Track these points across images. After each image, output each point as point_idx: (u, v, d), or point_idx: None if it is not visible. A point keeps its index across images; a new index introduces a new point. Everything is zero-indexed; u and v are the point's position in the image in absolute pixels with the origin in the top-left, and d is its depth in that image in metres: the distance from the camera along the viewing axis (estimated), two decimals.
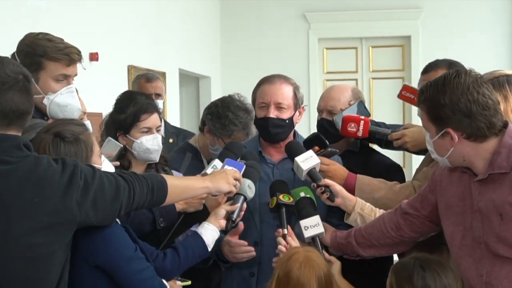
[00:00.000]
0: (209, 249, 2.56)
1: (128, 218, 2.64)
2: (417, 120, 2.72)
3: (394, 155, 3.68)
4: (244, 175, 2.69)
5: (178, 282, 2.58)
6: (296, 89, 2.98)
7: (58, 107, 2.69)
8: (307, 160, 2.80)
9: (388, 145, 3.28)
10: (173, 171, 3.17)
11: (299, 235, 2.71)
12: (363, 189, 2.94)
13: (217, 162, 2.77)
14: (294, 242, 2.65)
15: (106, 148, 2.89)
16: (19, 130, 2.05)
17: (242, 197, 2.67)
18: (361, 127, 3.13)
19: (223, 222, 2.60)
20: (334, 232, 2.78)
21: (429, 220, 2.52)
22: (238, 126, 3.57)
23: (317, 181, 2.77)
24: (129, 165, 2.96)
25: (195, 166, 3.51)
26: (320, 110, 3.33)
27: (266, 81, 2.99)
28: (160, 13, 6.67)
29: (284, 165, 2.97)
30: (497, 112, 2.19)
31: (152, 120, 2.95)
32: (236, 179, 2.58)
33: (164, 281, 2.36)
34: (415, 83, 3.46)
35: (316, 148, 2.95)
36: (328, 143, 2.99)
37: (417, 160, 4.06)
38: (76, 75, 2.76)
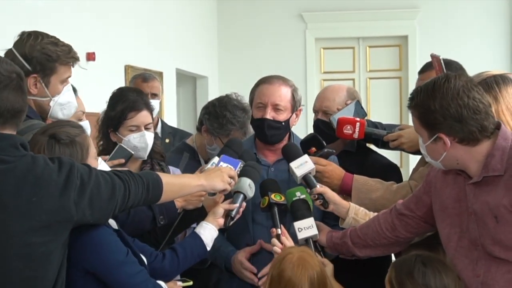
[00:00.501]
0: (208, 248, 2.56)
1: (128, 216, 2.65)
2: None
3: (391, 155, 3.68)
4: (245, 175, 2.70)
5: (179, 283, 2.57)
6: (294, 91, 2.98)
7: (59, 106, 2.76)
8: (302, 165, 2.79)
9: (384, 145, 3.27)
10: (172, 168, 3.18)
11: (294, 235, 2.71)
12: (360, 189, 2.94)
13: (216, 160, 2.77)
14: (289, 241, 2.65)
15: (117, 154, 2.91)
16: (14, 129, 2.05)
17: (241, 196, 2.66)
18: (357, 129, 3.13)
19: (221, 221, 2.60)
20: (330, 232, 2.78)
21: (424, 221, 2.51)
22: (235, 125, 3.57)
23: (311, 188, 2.77)
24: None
25: (193, 166, 3.51)
26: (315, 111, 3.33)
27: (264, 81, 2.99)
28: (157, 13, 6.67)
29: (279, 166, 2.96)
30: (488, 115, 2.18)
31: (140, 117, 2.97)
32: (231, 177, 2.58)
33: (162, 283, 2.35)
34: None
35: (313, 149, 2.95)
36: (325, 144, 2.99)
37: (414, 160, 4.07)
38: None
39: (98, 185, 2.08)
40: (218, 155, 2.79)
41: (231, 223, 2.63)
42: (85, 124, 2.98)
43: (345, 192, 2.93)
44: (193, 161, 3.74)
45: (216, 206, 2.64)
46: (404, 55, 8.48)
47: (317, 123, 3.29)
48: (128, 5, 5.98)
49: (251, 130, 3.51)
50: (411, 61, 8.27)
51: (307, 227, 2.70)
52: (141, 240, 2.54)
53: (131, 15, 6.08)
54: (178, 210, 2.75)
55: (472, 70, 2.97)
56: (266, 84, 2.97)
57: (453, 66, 3.22)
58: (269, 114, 2.91)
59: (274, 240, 2.65)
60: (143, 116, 2.98)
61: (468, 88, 2.17)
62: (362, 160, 3.27)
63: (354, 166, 3.10)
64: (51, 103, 2.73)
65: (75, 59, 2.77)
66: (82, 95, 3.25)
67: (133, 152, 2.94)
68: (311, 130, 3.27)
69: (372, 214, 2.76)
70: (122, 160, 2.91)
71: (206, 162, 2.95)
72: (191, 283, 2.64)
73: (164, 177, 2.33)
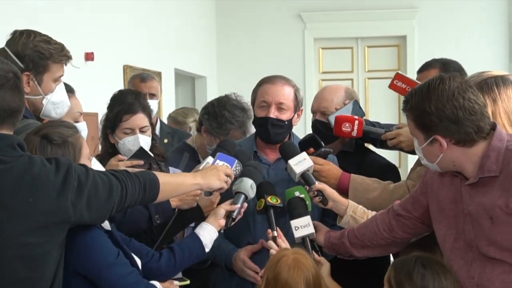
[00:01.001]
0: (207, 250, 2.55)
1: (124, 216, 2.65)
2: None
3: (389, 155, 3.68)
4: (246, 175, 2.69)
5: (176, 282, 2.56)
6: (296, 91, 3.00)
7: (52, 105, 2.76)
8: (300, 163, 2.80)
9: (382, 144, 3.28)
10: (172, 168, 3.18)
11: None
12: (357, 188, 2.94)
13: (210, 159, 2.76)
14: (284, 244, 2.64)
15: (136, 156, 2.91)
16: (11, 129, 2.04)
17: (243, 196, 2.66)
18: (355, 127, 3.13)
19: (222, 222, 2.60)
20: (328, 232, 2.78)
21: (421, 221, 2.51)
22: (234, 125, 3.58)
23: (310, 185, 2.78)
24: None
25: (193, 166, 3.49)
26: (313, 112, 3.33)
27: (267, 81, 3.00)
28: (156, 12, 6.67)
29: (280, 165, 2.97)
30: (484, 116, 2.17)
31: (135, 120, 2.97)
32: (227, 175, 2.57)
33: (156, 283, 2.35)
34: None
35: (311, 150, 2.95)
36: (323, 144, 3.00)
37: (412, 160, 4.07)
38: None
39: (96, 186, 2.08)
40: (212, 156, 2.79)
41: (232, 224, 2.63)
42: (82, 125, 2.98)
43: (342, 191, 2.92)
44: (193, 161, 3.73)
45: (217, 207, 2.63)
46: (403, 55, 8.49)
47: (315, 124, 3.29)
48: (127, 6, 5.98)
49: (251, 130, 3.51)
50: (410, 61, 8.28)
51: (303, 225, 2.70)
52: (138, 240, 2.54)
53: (130, 15, 6.08)
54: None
55: (470, 70, 2.97)
56: (269, 83, 2.98)
57: (452, 66, 3.23)
58: (273, 113, 2.92)
59: (271, 243, 2.65)
60: (138, 119, 2.98)
61: (463, 89, 2.16)
62: (360, 160, 3.27)
63: (352, 166, 3.10)
64: (44, 101, 2.73)
65: (68, 57, 2.77)
66: (80, 95, 3.26)
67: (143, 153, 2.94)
68: (309, 131, 3.27)
69: (371, 213, 2.77)
70: (141, 162, 2.92)
71: None
72: (188, 282, 2.64)
73: (160, 176, 2.33)
